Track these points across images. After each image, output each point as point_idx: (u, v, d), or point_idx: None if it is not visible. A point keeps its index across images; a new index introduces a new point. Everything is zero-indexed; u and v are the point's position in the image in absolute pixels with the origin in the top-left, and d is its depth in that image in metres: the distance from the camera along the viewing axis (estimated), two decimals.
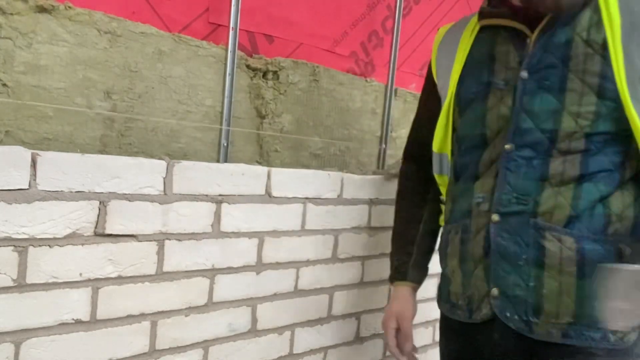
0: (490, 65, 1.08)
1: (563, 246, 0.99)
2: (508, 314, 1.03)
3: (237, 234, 1.30)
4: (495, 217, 1.04)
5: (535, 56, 1.02)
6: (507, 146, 1.03)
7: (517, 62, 1.04)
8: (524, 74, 1.02)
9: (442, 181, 1.24)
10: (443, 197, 1.25)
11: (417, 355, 1.31)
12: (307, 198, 1.44)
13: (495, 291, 1.04)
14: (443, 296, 1.20)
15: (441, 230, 1.25)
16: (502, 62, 1.07)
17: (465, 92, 1.12)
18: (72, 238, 1.04)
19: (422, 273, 1.33)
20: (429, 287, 1.87)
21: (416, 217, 1.32)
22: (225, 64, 1.47)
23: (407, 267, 1.31)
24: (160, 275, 1.18)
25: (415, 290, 1.33)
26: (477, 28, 1.13)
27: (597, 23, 0.98)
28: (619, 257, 0.98)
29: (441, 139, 1.19)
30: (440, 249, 1.22)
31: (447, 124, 1.17)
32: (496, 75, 1.07)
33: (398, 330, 1.30)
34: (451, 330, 1.19)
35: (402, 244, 1.33)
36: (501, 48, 1.07)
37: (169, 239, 1.18)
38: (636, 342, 1.00)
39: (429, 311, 1.89)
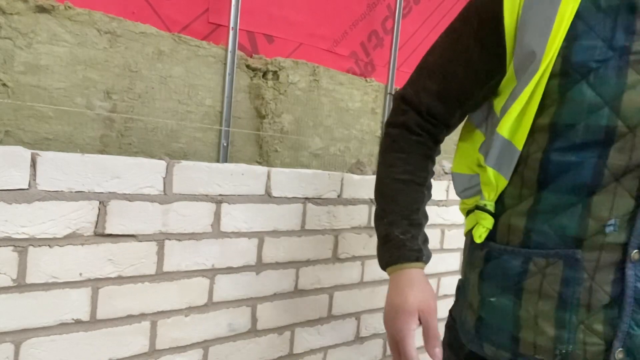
0: (630, 19, 0.73)
1: None
2: None
3: (237, 234, 1.30)
4: (636, 255, 0.75)
5: None
6: None
7: None
8: None
9: (495, 179, 0.88)
10: (488, 203, 0.90)
11: None
12: (307, 198, 1.44)
13: (620, 353, 0.78)
14: (496, 340, 0.87)
15: (489, 248, 0.89)
16: None
17: (583, 55, 0.75)
18: (72, 238, 1.04)
19: (430, 251, 0.99)
20: None
21: (423, 181, 0.97)
22: (225, 64, 1.47)
23: (417, 242, 0.93)
24: (160, 275, 1.18)
25: None
26: None
27: None
28: None
29: (517, 120, 0.82)
30: (499, 278, 0.87)
31: (530, 100, 0.79)
32: (638, 38, 0.72)
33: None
34: None
35: (407, 212, 0.94)
36: None
37: (169, 239, 1.18)
38: None
39: None
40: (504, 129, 0.83)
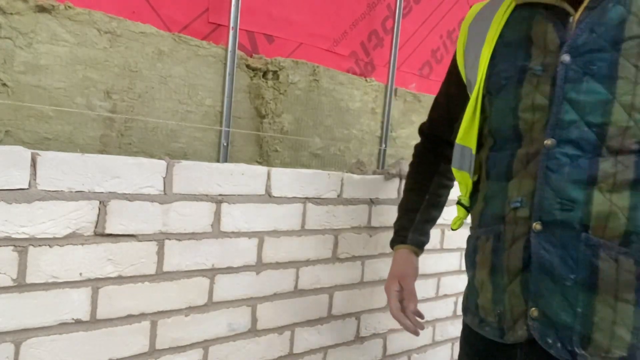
0: (526, 47, 0.95)
1: (620, 268, 0.85)
2: (550, 340, 0.90)
3: (237, 234, 1.30)
4: (537, 225, 0.90)
5: (580, 37, 0.88)
6: (547, 142, 0.89)
7: (558, 45, 0.90)
8: (566, 57, 0.88)
9: (461, 178, 1.10)
10: (462, 197, 1.14)
11: (421, 316, 1.27)
12: (307, 198, 1.44)
13: (534, 312, 0.91)
14: (470, 308, 1.07)
15: (469, 234, 1.12)
16: (539, 44, 0.93)
17: (497, 76, 0.99)
18: (72, 238, 1.04)
19: (422, 238, 1.30)
20: (429, 287, 1.88)
21: (422, 189, 1.31)
22: (225, 64, 1.47)
23: (407, 232, 1.29)
24: (160, 275, 1.18)
25: (416, 254, 1.30)
26: (512, 6, 1.00)
27: None
28: None
29: (465, 130, 1.05)
30: (467, 256, 1.10)
31: (474, 113, 1.03)
32: (533, 59, 0.93)
33: (400, 293, 1.26)
34: (474, 348, 1.07)
35: (405, 212, 1.32)
36: (539, 28, 0.93)
37: (169, 239, 1.18)
38: None
39: (429, 310, 1.89)
40: (459, 137, 1.07)
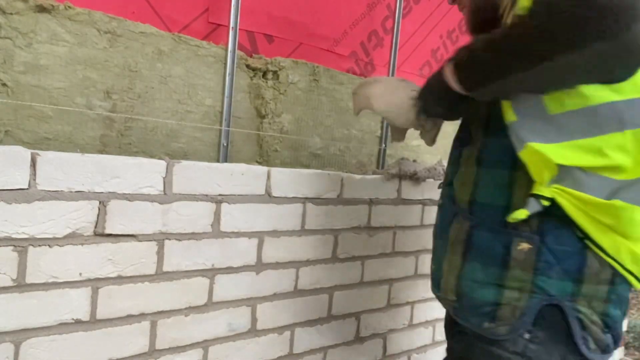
0: None
1: (462, 228, 1.01)
2: (434, 285, 1.13)
3: (237, 234, 1.30)
4: (439, 200, 1.14)
5: None
6: None
7: None
8: None
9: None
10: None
11: None
12: (307, 198, 1.44)
13: (432, 266, 1.14)
14: None
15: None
16: None
17: None
18: (72, 238, 1.04)
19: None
20: (429, 287, 1.88)
21: None
22: (225, 64, 1.47)
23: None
24: (160, 275, 1.18)
25: None
26: None
27: None
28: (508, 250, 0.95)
29: None
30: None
31: None
32: None
33: None
34: None
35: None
36: None
37: (169, 239, 1.18)
38: (510, 338, 0.95)
39: (430, 311, 1.89)
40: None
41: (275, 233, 1.38)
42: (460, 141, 1.11)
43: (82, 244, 1.06)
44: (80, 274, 1.06)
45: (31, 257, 1.00)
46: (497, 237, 0.96)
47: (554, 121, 0.89)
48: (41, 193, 0.99)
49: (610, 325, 0.94)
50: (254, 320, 1.36)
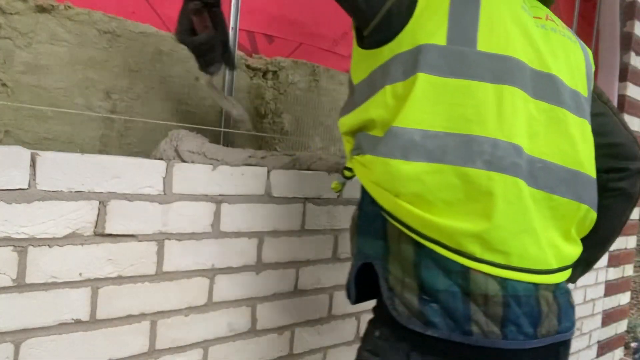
0: None
1: None
2: None
3: (237, 234, 1.30)
4: None
5: None
6: None
7: None
8: None
9: None
10: None
11: None
12: (307, 198, 1.44)
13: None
14: None
15: None
16: None
17: None
18: (72, 238, 1.04)
19: None
20: None
21: None
22: None
23: None
24: (160, 275, 1.18)
25: None
26: None
27: None
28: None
29: None
30: None
31: None
32: None
33: None
34: None
35: None
36: None
37: (169, 239, 1.18)
38: (366, 338, 1.00)
39: None
40: None
41: (275, 233, 1.38)
42: None
43: (82, 244, 1.06)
44: (80, 274, 1.06)
45: (31, 257, 1.00)
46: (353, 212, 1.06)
47: (355, 92, 0.99)
48: (41, 193, 0.99)
49: (429, 293, 0.86)
50: (254, 320, 1.36)
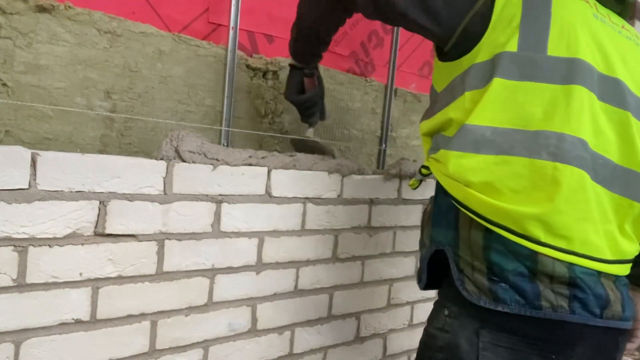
0: None
1: None
2: None
3: (237, 234, 1.30)
4: None
5: None
6: None
7: None
8: None
9: None
10: None
11: None
12: (307, 198, 1.44)
13: None
14: None
15: None
16: None
17: None
18: (72, 238, 1.04)
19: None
20: None
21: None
22: (225, 64, 1.47)
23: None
24: (160, 275, 1.18)
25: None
26: None
27: None
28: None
29: None
30: None
31: None
32: None
33: None
34: None
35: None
36: None
37: (169, 239, 1.18)
38: (434, 316, 1.07)
39: (429, 311, 1.89)
40: None
41: (275, 233, 1.38)
42: None
43: (82, 244, 1.06)
44: (81, 274, 1.06)
45: (31, 257, 1.00)
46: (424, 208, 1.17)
47: (437, 99, 1.09)
48: (41, 193, 0.99)
49: (497, 274, 0.94)
50: (254, 320, 1.36)
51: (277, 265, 1.39)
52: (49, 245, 1.01)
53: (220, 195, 1.26)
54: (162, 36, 1.36)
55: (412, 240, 1.77)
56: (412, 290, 1.81)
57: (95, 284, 1.08)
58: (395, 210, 1.69)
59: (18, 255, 0.98)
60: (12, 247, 0.97)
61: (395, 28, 1.91)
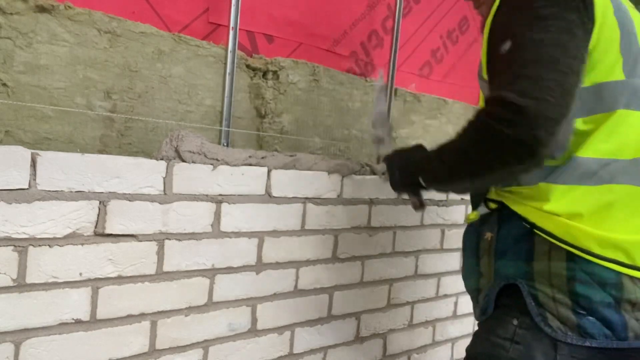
0: None
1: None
2: None
3: (237, 234, 1.30)
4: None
5: None
6: None
7: None
8: None
9: None
10: None
11: None
12: (307, 198, 1.44)
13: None
14: None
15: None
16: None
17: None
18: (72, 238, 1.04)
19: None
20: (429, 287, 1.88)
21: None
22: (225, 64, 1.47)
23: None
24: (160, 275, 1.18)
25: None
26: None
27: None
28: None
29: None
30: None
31: None
32: None
33: None
34: None
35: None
36: None
37: (169, 239, 1.18)
38: (502, 325, 1.01)
39: (430, 310, 1.89)
40: None
41: (275, 233, 1.38)
42: None
43: (82, 244, 1.06)
44: (81, 274, 1.06)
45: (31, 257, 1.00)
46: (474, 232, 1.10)
47: None
48: (41, 193, 1.00)
49: (585, 307, 0.91)
50: (254, 320, 1.36)
51: (277, 265, 1.39)
52: (49, 245, 1.01)
53: (220, 195, 1.26)
54: (162, 36, 1.37)
55: (412, 240, 1.77)
56: (411, 291, 1.81)
57: (95, 284, 1.08)
58: (395, 210, 1.69)
59: (18, 255, 0.98)
60: (12, 247, 0.97)
61: (395, 28, 1.91)
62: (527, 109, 0.80)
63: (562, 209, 0.93)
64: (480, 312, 1.07)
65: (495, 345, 1.00)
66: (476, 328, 1.11)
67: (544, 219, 0.96)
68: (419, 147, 1.15)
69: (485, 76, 0.97)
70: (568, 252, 0.93)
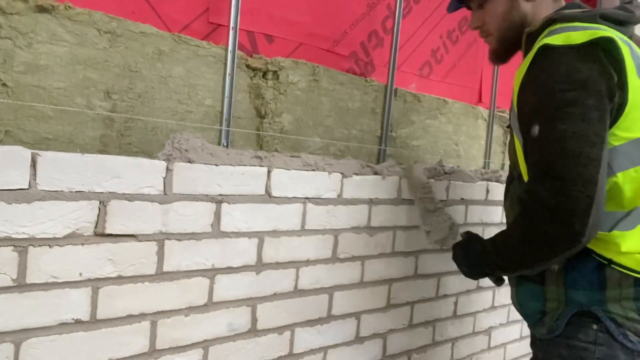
0: None
1: None
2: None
3: (237, 234, 1.30)
4: None
5: None
6: None
7: None
8: None
9: None
10: None
11: None
12: (307, 198, 1.44)
13: None
14: None
15: None
16: None
17: None
18: (72, 238, 1.04)
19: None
20: (429, 287, 1.88)
21: None
22: (225, 64, 1.47)
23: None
24: (160, 275, 1.18)
25: None
26: None
27: None
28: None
29: None
30: None
31: None
32: None
33: None
34: None
35: None
36: None
37: (169, 239, 1.18)
38: (582, 331, 1.15)
39: (430, 310, 1.89)
40: None
41: (275, 233, 1.38)
42: (508, 178, 1.33)
43: (82, 244, 1.06)
44: (81, 274, 1.06)
45: (31, 257, 1.00)
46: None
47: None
48: (41, 193, 1.00)
49: None
50: (254, 320, 1.36)
51: (277, 265, 1.39)
52: (49, 245, 1.01)
53: (220, 195, 1.26)
54: (162, 36, 1.37)
55: (411, 241, 1.77)
56: (411, 291, 1.81)
57: (95, 284, 1.08)
58: (395, 210, 1.69)
59: (18, 255, 0.98)
60: (12, 247, 0.97)
61: (395, 28, 1.91)
62: (559, 206, 1.01)
63: (636, 247, 1.10)
64: (548, 331, 1.20)
65: (579, 349, 1.14)
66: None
67: (620, 256, 1.11)
68: (475, 240, 1.34)
69: (517, 122, 1.16)
70: (636, 278, 1.11)
